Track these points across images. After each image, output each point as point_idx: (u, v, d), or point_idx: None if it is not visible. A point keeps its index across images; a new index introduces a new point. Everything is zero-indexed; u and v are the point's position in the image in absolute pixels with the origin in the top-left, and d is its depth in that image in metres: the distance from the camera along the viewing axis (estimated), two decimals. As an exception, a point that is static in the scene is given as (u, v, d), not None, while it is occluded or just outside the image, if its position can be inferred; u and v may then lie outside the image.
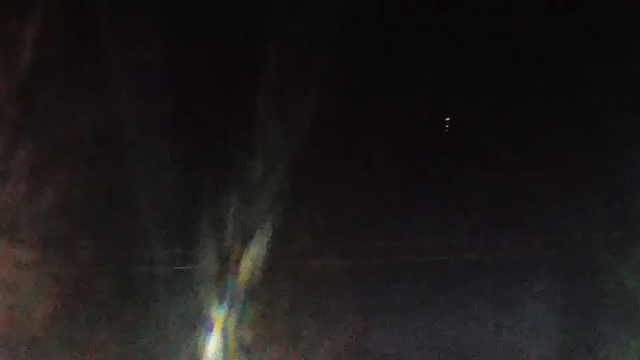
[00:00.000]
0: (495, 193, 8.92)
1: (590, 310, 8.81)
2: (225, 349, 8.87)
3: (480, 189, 8.95)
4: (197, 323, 8.86)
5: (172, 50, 8.77)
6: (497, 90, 8.90)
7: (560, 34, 8.84)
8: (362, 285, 8.94)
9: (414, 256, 9.00)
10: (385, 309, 8.97)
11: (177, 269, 8.97)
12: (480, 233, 9.01)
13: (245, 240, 8.84)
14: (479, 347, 8.92)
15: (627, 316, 8.71)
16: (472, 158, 9.03)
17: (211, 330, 8.87)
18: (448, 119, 9.32)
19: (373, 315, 8.96)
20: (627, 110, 8.68)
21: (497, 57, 9.00)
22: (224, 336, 8.86)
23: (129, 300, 8.89)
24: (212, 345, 8.86)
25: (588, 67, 8.66)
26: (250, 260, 8.82)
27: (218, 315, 8.86)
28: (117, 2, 8.76)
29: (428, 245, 8.99)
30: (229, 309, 8.85)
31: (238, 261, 8.84)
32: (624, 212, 8.74)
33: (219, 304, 8.86)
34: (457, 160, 9.09)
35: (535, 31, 8.90)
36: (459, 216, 8.96)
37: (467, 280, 8.94)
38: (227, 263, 8.85)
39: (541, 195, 8.78)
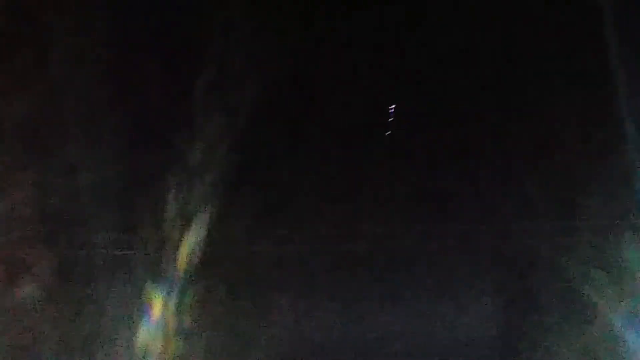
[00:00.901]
0: (436, 183, 9.01)
1: (530, 301, 8.93)
2: (164, 333, 8.80)
3: (421, 180, 9.02)
4: (135, 308, 8.79)
5: (114, 32, 8.72)
6: (440, 81, 9.01)
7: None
8: (303, 271, 8.97)
9: (355, 243, 9.05)
10: (326, 295, 9.01)
11: (116, 254, 8.90)
12: (420, 222, 9.07)
13: (185, 225, 8.80)
14: (417, 337, 8.96)
15: (568, 307, 8.83)
16: (415, 148, 9.10)
17: (150, 315, 8.81)
18: (393, 107, 9.38)
19: (313, 301, 8.99)
20: (570, 100, 8.85)
21: (443, 49, 9.11)
22: (163, 321, 8.80)
23: (68, 284, 8.79)
24: (151, 329, 8.79)
25: (532, 58, 8.83)
26: (190, 245, 8.78)
27: (157, 300, 8.80)
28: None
29: (369, 233, 9.03)
30: (168, 293, 8.80)
31: (177, 246, 8.79)
32: (564, 200, 8.87)
33: (158, 288, 8.80)
34: (401, 150, 9.16)
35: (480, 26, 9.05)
36: (400, 205, 9.03)
37: (407, 270, 8.99)
38: (166, 248, 8.80)
39: (480, 185, 8.91)
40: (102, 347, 8.71)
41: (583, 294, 8.65)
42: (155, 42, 8.85)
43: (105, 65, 8.74)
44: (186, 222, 8.80)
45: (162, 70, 8.79)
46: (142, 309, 8.77)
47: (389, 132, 9.25)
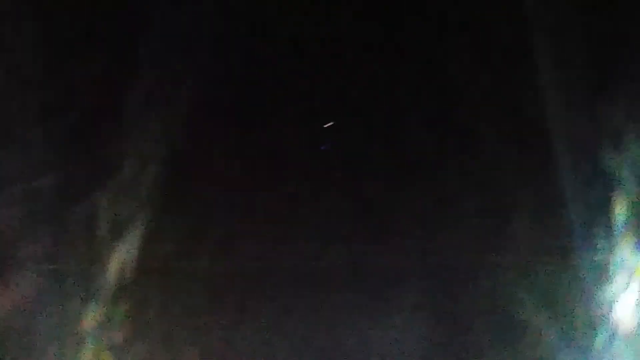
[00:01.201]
0: (364, 202, 9.02)
1: (457, 321, 8.98)
2: (95, 347, 8.74)
3: (350, 198, 9.04)
4: (66, 322, 8.72)
5: (41, 39, 8.55)
6: (368, 98, 9.00)
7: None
8: (232, 288, 8.94)
9: (288, 261, 9.03)
10: (256, 312, 9.00)
11: (46, 268, 8.80)
12: (349, 241, 9.07)
13: (116, 238, 8.73)
14: (343, 356, 9.00)
15: (495, 328, 8.88)
16: (345, 166, 9.11)
17: (81, 329, 8.73)
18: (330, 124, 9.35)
19: (243, 317, 8.98)
20: (498, 121, 8.87)
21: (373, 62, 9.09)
22: (94, 335, 8.74)
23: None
24: (81, 343, 8.73)
25: (462, 77, 8.82)
26: (121, 258, 8.72)
27: (87, 314, 8.74)
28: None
29: (300, 251, 9.02)
30: (99, 307, 8.73)
31: (108, 259, 8.71)
32: (490, 222, 8.90)
33: (89, 302, 8.73)
34: (332, 167, 9.13)
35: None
36: (330, 223, 9.02)
37: (337, 288, 9.01)
38: (97, 261, 8.72)
39: (408, 202, 8.91)
40: (32, 362, 8.66)
41: (510, 315, 8.73)
42: (86, 53, 8.67)
43: (35, 73, 8.58)
44: (118, 235, 8.73)
45: (94, 83, 8.63)
46: (73, 323, 8.72)
47: (324, 147, 9.22)
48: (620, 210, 8.67)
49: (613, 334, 8.62)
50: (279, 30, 9.01)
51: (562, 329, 8.71)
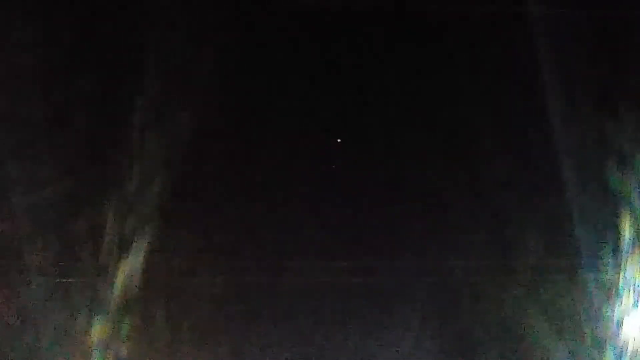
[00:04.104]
0: (369, 219, 9.04)
1: (466, 339, 8.95)
2: (101, 361, 8.71)
3: (354, 214, 9.04)
4: (72, 335, 8.68)
5: (47, 54, 8.60)
6: (369, 119, 9.07)
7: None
8: (239, 303, 8.92)
9: (293, 277, 9.00)
10: (263, 328, 8.98)
11: (54, 282, 8.77)
12: (356, 258, 9.02)
13: (124, 252, 8.72)
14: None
15: (505, 345, 8.87)
16: (353, 182, 9.11)
17: (88, 343, 8.69)
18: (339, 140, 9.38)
19: (250, 333, 8.96)
20: (506, 142, 8.93)
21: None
22: (101, 349, 8.70)
23: (3, 312, 8.66)
24: (87, 357, 8.68)
25: (468, 97, 8.90)
26: (127, 274, 8.71)
27: (94, 328, 8.70)
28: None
29: (305, 266, 8.99)
30: (106, 321, 8.70)
31: (115, 273, 8.70)
32: (499, 240, 8.92)
33: (96, 316, 8.70)
34: (339, 182, 9.15)
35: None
36: (334, 240, 9.00)
37: (340, 305, 9.01)
38: (104, 275, 8.71)
39: (416, 221, 8.92)
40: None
41: (518, 334, 8.72)
42: (93, 67, 8.71)
43: (42, 85, 8.60)
44: (125, 249, 8.72)
45: (100, 98, 8.67)
46: (79, 336, 8.68)
47: (334, 166, 9.24)
48: (627, 229, 8.72)
49: (621, 353, 8.62)
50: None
51: (570, 347, 8.70)
